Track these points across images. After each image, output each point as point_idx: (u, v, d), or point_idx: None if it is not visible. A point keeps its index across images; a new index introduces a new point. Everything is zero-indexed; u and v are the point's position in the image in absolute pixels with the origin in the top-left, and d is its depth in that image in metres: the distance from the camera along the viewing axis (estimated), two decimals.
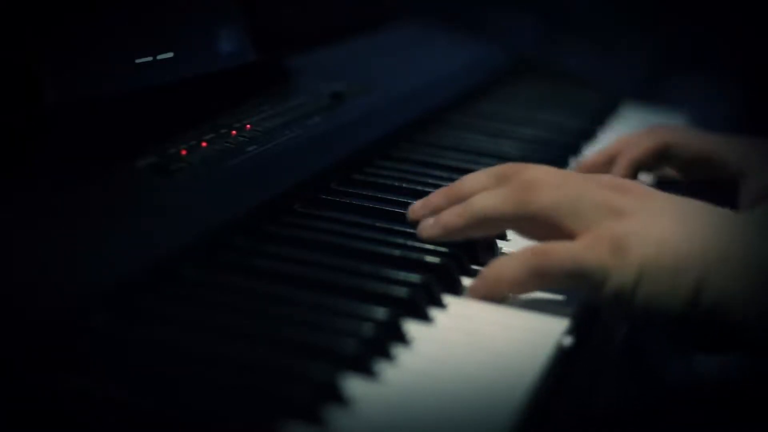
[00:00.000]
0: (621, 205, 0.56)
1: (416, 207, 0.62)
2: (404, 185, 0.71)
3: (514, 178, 0.59)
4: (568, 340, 0.53)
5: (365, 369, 0.46)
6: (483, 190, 0.59)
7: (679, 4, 1.36)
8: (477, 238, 0.60)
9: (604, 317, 0.58)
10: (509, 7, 1.32)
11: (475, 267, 0.60)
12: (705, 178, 0.81)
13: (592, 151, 0.87)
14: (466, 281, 0.58)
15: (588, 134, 0.95)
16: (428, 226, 0.60)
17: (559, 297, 0.57)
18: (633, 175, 0.79)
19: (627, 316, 0.56)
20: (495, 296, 0.55)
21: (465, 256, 0.59)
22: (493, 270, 0.55)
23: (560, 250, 0.54)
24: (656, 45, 1.37)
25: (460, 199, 0.60)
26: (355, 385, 0.45)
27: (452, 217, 0.59)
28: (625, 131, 0.88)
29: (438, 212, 0.61)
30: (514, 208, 0.57)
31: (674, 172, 0.82)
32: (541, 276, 0.54)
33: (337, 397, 0.44)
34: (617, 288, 0.53)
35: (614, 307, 0.54)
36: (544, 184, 0.57)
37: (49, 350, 0.43)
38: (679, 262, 0.52)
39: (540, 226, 0.57)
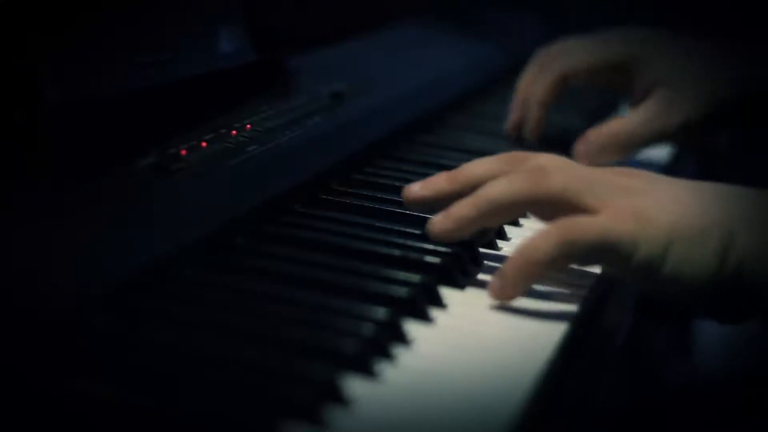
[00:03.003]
0: (633, 185, 0.56)
1: (414, 187, 0.61)
2: (404, 185, 0.71)
3: (524, 164, 0.58)
4: (566, 346, 0.53)
5: (365, 369, 0.46)
6: (491, 176, 0.58)
7: (680, 4, 1.36)
8: (489, 227, 0.60)
9: (618, 292, 0.58)
10: (509, 7, 1.32)
11: (474, 267, 0.60)
12: (609, 84, 0.86)
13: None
14: (466, 281, 0.58)
15: None
16: (438, 221, 0.58)
17: (559, 297, 0.57)
18: (545, 115, 0.84)
19: (653, 287, 0.55)
20: (529, 277, 0.54)
21: (465, 256, 0.59)
22: (523, 251, 0.53)
23: (586, 222, 0.53)
24: None
25: (465, 186, 0.58)
26: (355, 385, 0.45)
27: (465, 207, 0.57)
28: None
29: (440, 195, 0.60)
30: (530, 192, 0.56)
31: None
32: (570, 249, 0.53)
33: (337, 397, 0.44)
34: (646, 257, 0.52)
35: (642, 278, 0.54)
36: (555, 167, 0.57)
37: (50, 350, 0.43)
38: (705, 226, 0.53)
39: (555, 207, 0.56)
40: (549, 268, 0.54)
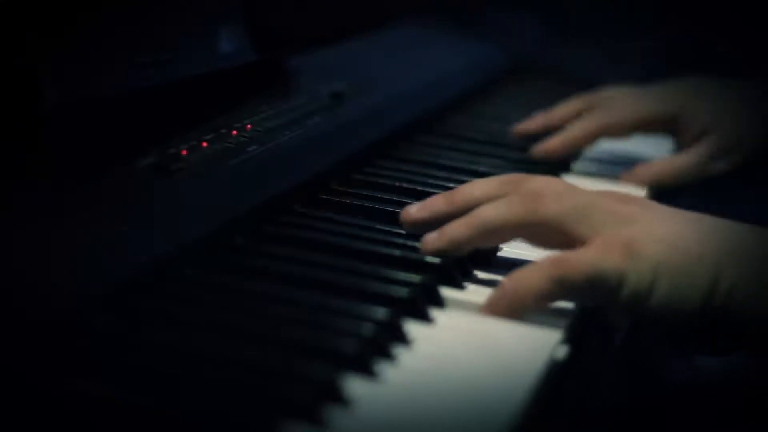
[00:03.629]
0: (627, 213, 0.56)
1: (412, 210, 0.60)
2: (404, 185, 0.71)
3: (520, 187, 0.58)
4: (566, 345, 0.53)
5: (365, 369, 0.46)
6: (487, 198, 0.58)
7: (681, 5, 1.36)
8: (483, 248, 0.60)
9: (610, 318, 0.58)
10: (509, 7, 1.32)
11: (475, 268, 0.60)
12: (652, 132, 0.88)
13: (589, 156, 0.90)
14: (466, 281, 0.58)
15: None
16: (433, 240, 0.58)
17: None
18: (570, 152, 0.85)
19: (643, 319, 0.55)
20: (517, 309, 0.53)
21: (465, 256, 0.59)
22: (514, 282, 0.54)
23: (579, 257, 0.54)
24: (657, 46, 1.37)
25: (462, 207, 0.59)
26: (355, 385, 0.45)
27: (459, 228, 0.58)
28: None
29: (438, 216, 0.59)
30: (523, 217, 0.57)
31: None
32: (561, 285, 0.53)
33: (337, 397, 0.44)
34: (633, 289, 0.53)
35: (630, 310, 0.54)
36: (550, 192, 0.57)
37: (50, 350, 0.43)
38: (693, 259, 0.53)
39: (548, 232, 0.57)
40: (540, 303, 0.54)
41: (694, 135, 0.85)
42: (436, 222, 0.59)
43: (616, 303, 0.54)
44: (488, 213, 0.57)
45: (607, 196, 0.58)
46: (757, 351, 0.56)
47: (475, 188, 0.60)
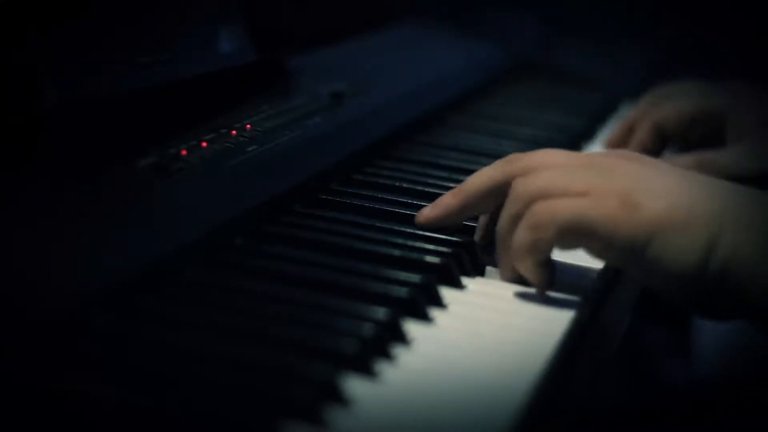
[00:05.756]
0: (627, 169, 0.56)
1: (425, 210, 0.62)
2: (404, 185, 0.71)
3: (519, 162, 0.58)
4: (565, 347, 0.53)
5: (365, 369, 0.46)
6: (491, 182, 0.59)
7: (680, 4, 1.36)
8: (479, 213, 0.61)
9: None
10: (509, 7, 1.32)
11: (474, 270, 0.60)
12: (695, 135, 0.89)
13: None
14: (467, 281, 0.58)
15: (588, 134, 0.95)
16: (427, 211, 0.61)
17: (559, 297, 0.57)
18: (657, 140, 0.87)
19: (638, 273, 0.56)
20: (511, 270, 0.56)
21: (466, 256, 0.59)
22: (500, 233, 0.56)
23: (567, 202, 0.53)
24: (657, 45, 1.37)
25: (470, 197, 0.60)
26: (355, 385, 0.45)
27: (450, 196, 0.61)
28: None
29: (451, 211, 0.61)
30: (505, 172, 0.58)
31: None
32: (546, 229, 0.53)
33: (337, 397, 0.44)
34: (628, 243, 0.52)
35: (625, 261, 0.54)
36: (549, 162, 0.57)
37: (50, 350, 0.43)
38: (694, 218, 0.53)
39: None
40: (530, 254, 0.54)
41: (737, 135, 0.86)
42: (450, 218, 0.61)
43: (609, 253, 0.53)
44: (476, 177, 0.60)
45: (612, 154, 0.58)
46: (756, 320, 0.55)
47: (477, 176, 0.60)
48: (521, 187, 0.56)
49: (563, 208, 0.53)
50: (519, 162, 0.58)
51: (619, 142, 0.89)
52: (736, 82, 0.91)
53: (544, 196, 0.54)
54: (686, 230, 0.52)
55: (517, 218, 0.55)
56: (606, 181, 0.54)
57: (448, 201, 0.61)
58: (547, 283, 0.55)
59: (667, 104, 0.89)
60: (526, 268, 0.55)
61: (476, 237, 0.61)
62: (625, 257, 0.53)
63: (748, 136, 0.85)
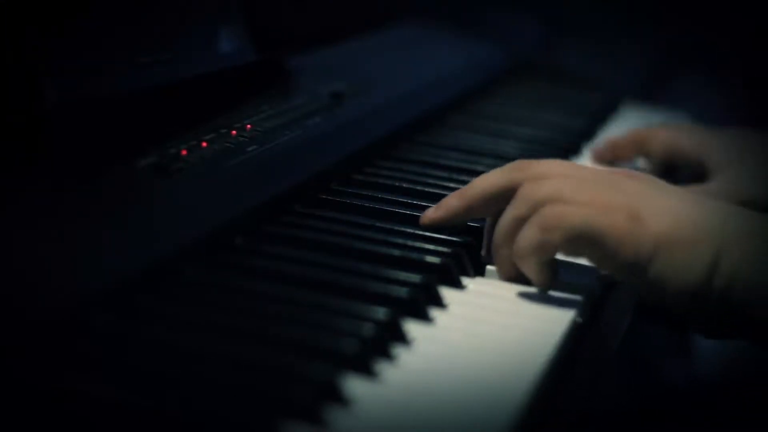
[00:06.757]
0: (632, 187, 0.56)
1: (429, 211, 0.62)
2: (404, 185, 0.71)
3: (526, 171, 0.58)
4: (565, 347, 0.53)
5: (365, 369, 0.46)
6: (496, 187, 0.59)
7: (680, 4, 1.36)
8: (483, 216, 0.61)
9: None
10: (509, 7, 1.32)
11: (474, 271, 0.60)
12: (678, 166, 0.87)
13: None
14: (467, 281, 0.58)
15: (588, 134, 0.95)
16: (431, 211, 0.61)
17: (559, 298, 0.57)
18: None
19: (641, 289, 0.56)
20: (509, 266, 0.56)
21: (466, 256, 0.59)
22: (498, 238, 0.56)
23: (575, 210, 0.54)
24: (657, 45, 1.37)
25: (474, 199, 0.60)
26: (355, 385, 0.45)
27: (454, 198, 0.60)
28: (625, 131, 0.89)
29: (454, 213, 0.61)
30: (512, 179, 0.58)
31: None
32: (551, 233, 0.53)
33: (337, 397, 0.44)
34: (632, 256, 0.53)
35: (628, 276, 0.54)
36: (556, 172, 0.57)
37: (50, 350, 0.43)
38: (696, 235, 0.53)
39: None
40: (534, 254, 0.54)
41: (717, 168, 0.84)
42: (453, 220, 0.61)
43: (613, 266, 0.54)
44: (478, 182, 0.60)
45: (617, 172, 0.58)
46: (757, 339, 0.56)
47: (483, 179, 0.60)
48: (529, 192, 0.56)
49: (573, 214, 0.54)
50: (527, 169, 0.58)
51: (604, 156, 0.88)
52: (736, 130, 0.90)
53: (553, 201, 0.55)
54: (691, 247, 0.53)
55: (521, 220, 0.55)
56: (612, 196, 0.55)
57: (452, 203, 0.61)
58: (548, 282, 0.56)
59: (651, 130, 0.88)
60: (529, 267, 0.55)
61: (483, 252, 0.61)
62: (628, 270, 0.54)
63: (724, 172, 0.84)
